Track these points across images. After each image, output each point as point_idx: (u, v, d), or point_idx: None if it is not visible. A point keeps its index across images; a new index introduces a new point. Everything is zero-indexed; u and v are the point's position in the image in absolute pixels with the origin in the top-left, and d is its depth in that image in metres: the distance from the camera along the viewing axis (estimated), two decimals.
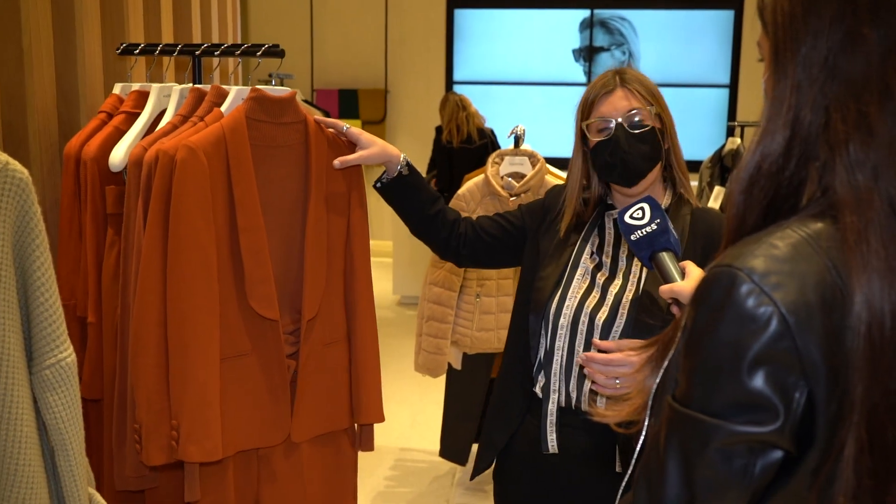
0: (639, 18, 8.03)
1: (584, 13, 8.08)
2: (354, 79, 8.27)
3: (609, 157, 1.66)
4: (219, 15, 2.75)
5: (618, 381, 1.44)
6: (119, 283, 1.79)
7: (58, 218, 1.93)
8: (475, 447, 3.87)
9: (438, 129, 6.26)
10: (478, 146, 5.94)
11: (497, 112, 7.81)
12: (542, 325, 1.67)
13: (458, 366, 3.31)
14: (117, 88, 2.01)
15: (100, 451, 1.91)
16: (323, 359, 1.91)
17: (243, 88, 1.75)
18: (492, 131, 6.16)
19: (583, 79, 8.17)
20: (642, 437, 0.93)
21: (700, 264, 1.40)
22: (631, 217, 1.45)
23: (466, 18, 8.25)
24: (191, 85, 1.93)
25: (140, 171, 1.68)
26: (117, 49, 2.03)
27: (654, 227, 1.42)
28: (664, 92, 1.74)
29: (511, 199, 2.97)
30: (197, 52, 1.87)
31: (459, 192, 3.06)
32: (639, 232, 1.43)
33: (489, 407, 1.83)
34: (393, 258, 6.77)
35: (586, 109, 1.70)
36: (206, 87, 1.83)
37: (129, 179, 1.70)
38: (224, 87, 1.78)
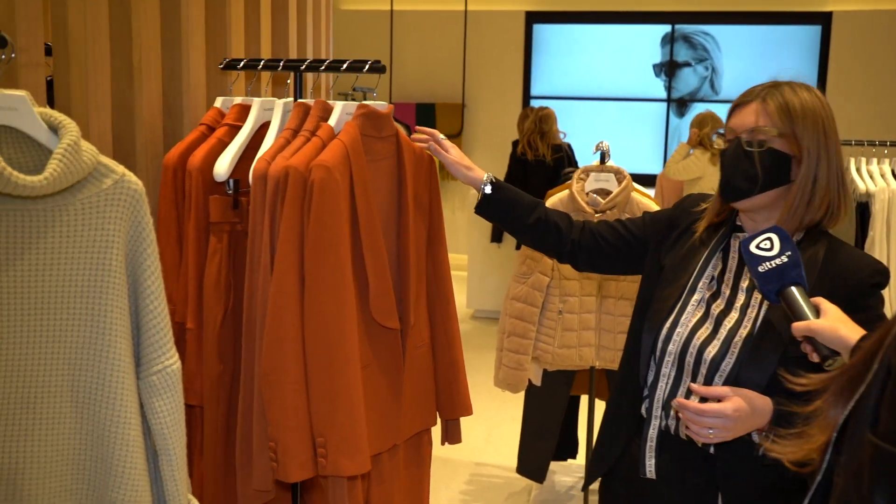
0: (722, 34, 7.89)
1: (665, 28, 7.98)
2: (432, 93, 8.34)
3: (722, 169, 1.61)
4: (313, 31, 2.81)
5: (711, 432, 1.40)
6: (220, 291, 1.83)
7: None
8: (553, 465, 3.84)
9: (515, 143, 6.27)
10: (553, 160, 5.93)
11: (574, 127, 7.77)
12: (652, 348, 1.63)
13: (537, 382, 3.28)
14: (218, 102, 2.06)
15: (196, 456, 1.94)
16: (417, 361, 1.98)
17: (348, 103, 1.78)
18: (569, 146, 6.13)
19: (662, 94, 8.06)
20: (820, 476, 0.89)
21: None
22: (757, 247, 1.38)
23: (545, 33, 8.24)
24: (291, 99, 1.97)
25: (266, 185, 1.71)
26: (220, 64, 2.08)
27: (784, 259, 1.35)
28: None
29: (596, 215, 2.94)
30: (301, 68, 1.90)
31: None
32: (767, 264, 1.36)
33: (603, 419, 1.81)
34: (467, 271, 6.77)
35: (728, 115, 1.63)
36: (309, 102, 1.87)
37: (254, 193, 1.73)
38: (329, 102, 1.82)
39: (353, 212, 1.75)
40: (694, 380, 1.56)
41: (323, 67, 1.86)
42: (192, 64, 2.12)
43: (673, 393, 1.59)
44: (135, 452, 1.40)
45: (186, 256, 1.88)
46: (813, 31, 7.69)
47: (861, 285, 1.51)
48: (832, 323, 1.26)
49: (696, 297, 1.62)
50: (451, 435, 2.17)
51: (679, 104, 8.08)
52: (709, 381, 1.54)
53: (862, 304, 1.47)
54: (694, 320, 1.60)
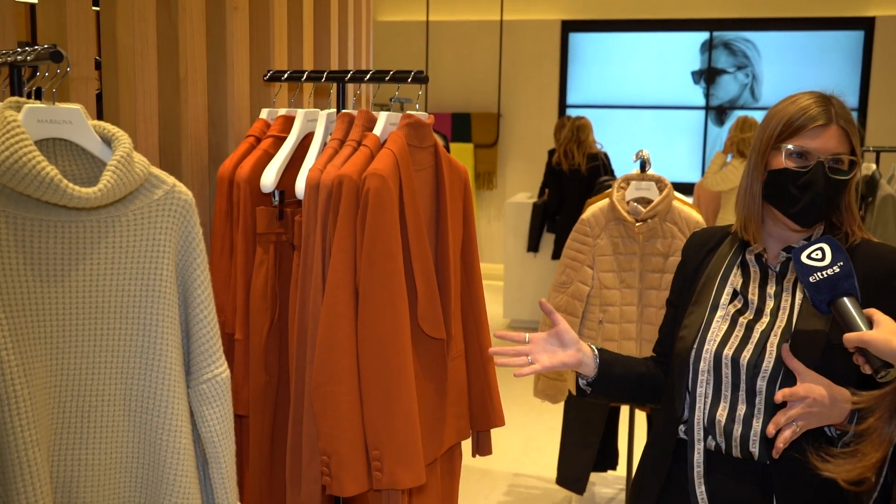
0: (763, 40, 7.81)
1: (703, 35, 7.92)
2: (468, 103, 8.36)
3: (796, 190, 1.53)
4: (354, 42, 2.83)
5: (796, 423, 1.37)
6: (266, 301, 1.84)
7: (208, 237, 2.01)
8: (592, 476, 3.80)
9: (551, 152, 6.28)
10: (588, 169, 5.92)
11: (611, 136, 7.74)
12: (682, 373, 1.59)
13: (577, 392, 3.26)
14: (264, 113, 2.09)
15: (241, 466, 1.96)
16: (453, 373, 1.97)
17: (392, 114, 1.79)
18: (605, 155, 6.12)
19: (702, 101, 7.99)
20: (876, 493, 0.88)
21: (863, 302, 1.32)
22: (809, 258, 1.38)
23: (581, 42, 8.22)
24: (334, 110, 1.99)
25: (318, 194, 1.73)
26: (264, 76, 2.11)
27: (836, 269, 1.35)
28: None
29: (637, 224, 2.92)
30: (346, 79, 1.92)
31: (583, 216, 3.03)
32: (818, 274, 1.36)
33: (643, 453, 1.77)
34: (504, 281, 6.76)
35: (788, 131, 1.54)
36: (353, 112, 1.88)
37: (306, 202, 1.74)
38: (373, 112, 1.83)
39: (402, 221, 1.75)
40: (737, 389, 1.53)
41: (367, 78, 1.88)
42: (237, 77, 2.16)
43: (713, 411, 1.55)
44: (186, 460, 1.41)
45: (235, 267, 1.89)
46: (855, 37, 7.58)
47: (893, 270, 1.51)
48: (885, 334, 1.24)
49: (719, 313, 1.59)
50: (482, 447, 2.14)
51: (718, 112, 8.01)
52: (752, 386, 1.51)
53: None
54: (720, 334, 1.57)
